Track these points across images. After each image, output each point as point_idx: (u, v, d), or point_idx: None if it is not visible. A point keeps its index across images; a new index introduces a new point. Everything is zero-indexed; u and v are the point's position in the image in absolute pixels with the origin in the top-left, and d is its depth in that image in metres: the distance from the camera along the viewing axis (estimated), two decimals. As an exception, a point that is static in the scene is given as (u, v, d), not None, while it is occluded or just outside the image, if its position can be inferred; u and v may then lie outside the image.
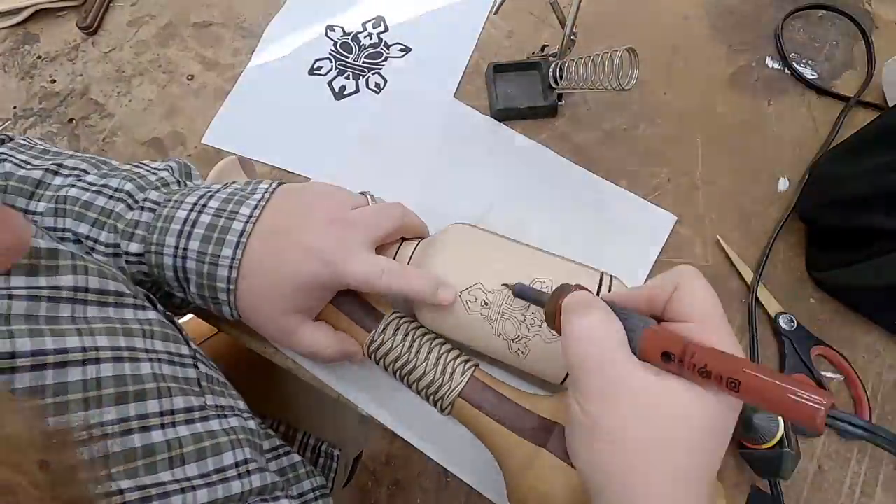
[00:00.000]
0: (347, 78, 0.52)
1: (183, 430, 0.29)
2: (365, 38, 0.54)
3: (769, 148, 0.49)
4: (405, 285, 0.33)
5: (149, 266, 0.34)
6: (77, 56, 0.54)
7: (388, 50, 0.53)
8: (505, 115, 0.49)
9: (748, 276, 0.44)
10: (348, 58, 0.53)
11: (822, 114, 0.51)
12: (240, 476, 0.30)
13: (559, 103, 0.49)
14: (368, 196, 0.38)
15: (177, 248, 0.33)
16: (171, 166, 0.39)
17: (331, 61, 0.53)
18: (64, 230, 0.34)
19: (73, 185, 0.35)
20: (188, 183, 0.39)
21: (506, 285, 0.33)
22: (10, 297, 0.25)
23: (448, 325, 0.35)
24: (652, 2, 0.56)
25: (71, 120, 0.51)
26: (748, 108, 0.51)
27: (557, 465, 0.30)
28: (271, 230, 0.33)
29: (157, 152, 0.50)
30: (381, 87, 0.52)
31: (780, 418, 0.35)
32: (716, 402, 0.23)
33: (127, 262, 0.35)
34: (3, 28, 0.56)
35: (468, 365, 0.35)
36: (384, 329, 0.35)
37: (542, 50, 0.51)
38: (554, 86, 0.47)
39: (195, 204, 0.34)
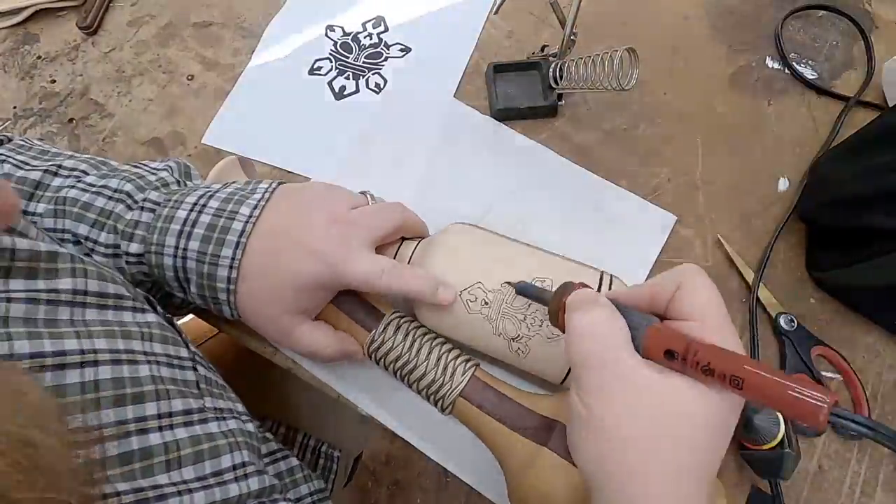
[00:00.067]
0: (347, 78, 0.52)
1: (181, 433, 0.28)
2: (365, 38, 0.54)
3: (769, 148, 0.49)
4: (405, 285, 0.33)
5: (149, 266, 0.34)
6: (77, 56, 0.54)
7: (388, 50, 0.53)
8: (505, 115, 0.49)
9: (749, 275, 0.44)
10: (348, 58, 0.53)
11: (822, 114, 0.51)
12: (237, 479, 0.30)
13: (559, 103, 0.49)
14: (368, 196, 0.38)
15: (177, 248, 0.33)
16: (170, 166, 0.39)
17: (331, 61, 0.53)
18: (63, 231, 0.34)
19: (73, 186, 0.35)
20: (188, 183, 0.39)
21: (508, 283, 0.33)
22: (9, 299, 0.25)
23: (448, 325, 0.35)
24: (652, 2, 0.56)
25: (71, 120, 0.51)
26: (748, 108, 0.51)
27: (559, 464, 0.30)
28: (271, 230, 0.33)
29: (157, 152, 0.49)
30: (381, 87, 0.52)
31: (780, 419, 0.35)
32: (719, 400, 0.23)
33: (127, 262, 0.35)
34: (3, 28, 0.56)
35: (469, 364, 0.35)
36: (384, 328, 0.35)
37: (542, 50, 0.51)
38: (554, 86, 0.47)
39: (195, 204, 0.34)
